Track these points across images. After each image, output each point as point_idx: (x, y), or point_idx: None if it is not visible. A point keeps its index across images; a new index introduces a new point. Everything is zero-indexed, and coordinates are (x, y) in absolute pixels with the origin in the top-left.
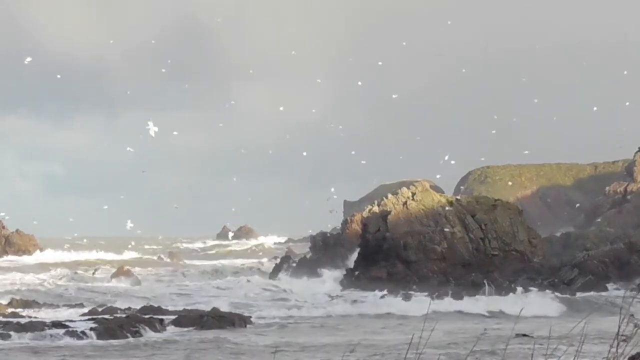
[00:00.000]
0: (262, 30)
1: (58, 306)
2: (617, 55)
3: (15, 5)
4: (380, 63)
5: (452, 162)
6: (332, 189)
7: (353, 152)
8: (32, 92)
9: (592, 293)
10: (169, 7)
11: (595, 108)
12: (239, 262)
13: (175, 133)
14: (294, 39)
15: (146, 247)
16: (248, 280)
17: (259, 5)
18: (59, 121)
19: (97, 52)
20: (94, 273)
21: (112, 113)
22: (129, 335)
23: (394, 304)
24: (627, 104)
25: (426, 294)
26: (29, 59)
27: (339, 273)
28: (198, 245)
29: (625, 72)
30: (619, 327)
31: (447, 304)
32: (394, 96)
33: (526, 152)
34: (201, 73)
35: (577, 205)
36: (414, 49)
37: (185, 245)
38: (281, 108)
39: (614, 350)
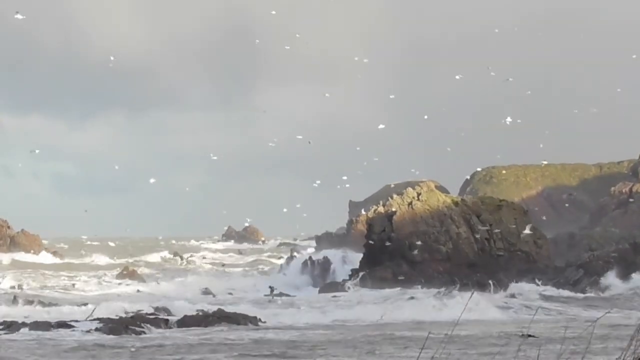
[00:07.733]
0: (293, 35)
1: (62, 306)
2: (619, 56)
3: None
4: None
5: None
6: (341, 183)
7: (358, 148)
8: (56, 92)
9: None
10: (210, 11)
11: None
12: (243, 262)
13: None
14: (324, 45)
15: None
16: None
17: (300, 11)
18: (76, 121)
19: (122, 52)
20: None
21: (129, 113)
22: (134, 335)
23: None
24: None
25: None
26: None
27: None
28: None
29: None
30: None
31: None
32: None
33: (541, 146)
34: (231, 75)
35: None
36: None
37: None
38: (292, 110)
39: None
